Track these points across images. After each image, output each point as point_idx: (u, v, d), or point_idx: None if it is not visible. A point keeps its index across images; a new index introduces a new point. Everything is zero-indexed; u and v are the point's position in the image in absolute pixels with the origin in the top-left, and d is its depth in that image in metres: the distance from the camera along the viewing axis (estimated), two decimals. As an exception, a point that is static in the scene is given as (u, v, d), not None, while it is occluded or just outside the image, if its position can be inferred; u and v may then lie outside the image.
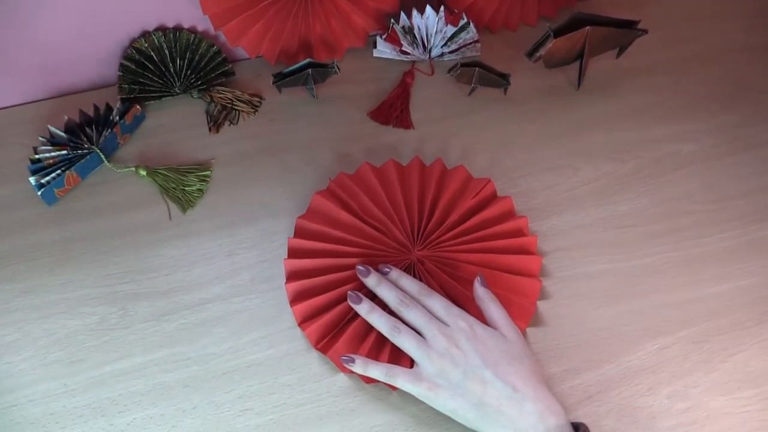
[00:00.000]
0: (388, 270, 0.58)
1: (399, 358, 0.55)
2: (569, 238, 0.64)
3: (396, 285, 0.57)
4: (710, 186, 0.68)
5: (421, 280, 0.59)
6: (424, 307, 0.55)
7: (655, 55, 0.79)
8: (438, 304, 0.55)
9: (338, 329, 0.57)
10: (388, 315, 0.55)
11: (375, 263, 0.59)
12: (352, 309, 0.57)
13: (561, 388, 0.56)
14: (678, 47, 0.80)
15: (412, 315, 0.54)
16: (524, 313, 0.59)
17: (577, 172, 0.69)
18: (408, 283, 0.57)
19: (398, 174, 0.65)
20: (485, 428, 0.50)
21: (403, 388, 0.52)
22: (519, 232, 0.63)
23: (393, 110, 0.72)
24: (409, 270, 0.60)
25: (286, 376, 0.55)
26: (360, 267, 0.57)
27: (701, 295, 0.61)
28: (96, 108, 0.68)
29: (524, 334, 0.58)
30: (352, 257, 0.60)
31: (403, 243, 0.61)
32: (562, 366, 0.57)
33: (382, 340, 0.56)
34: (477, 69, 0.71)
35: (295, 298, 0.58)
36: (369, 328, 0.56)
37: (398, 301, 0.55)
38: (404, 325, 0.54)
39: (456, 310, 0.54)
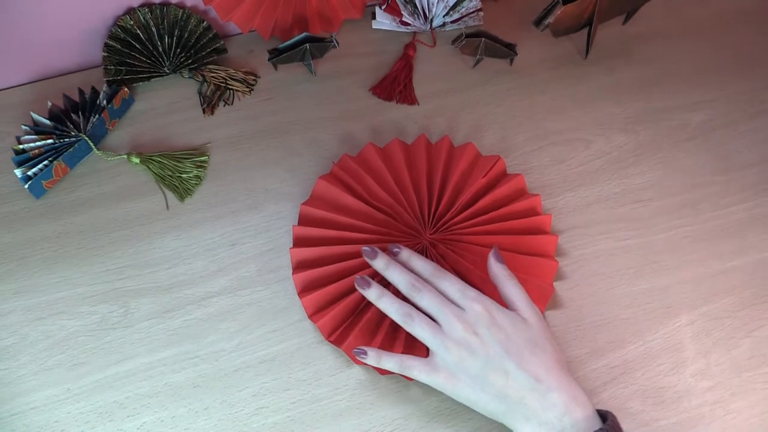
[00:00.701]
0: (398, 250, 0.54)
1: (414, 347, 0.53)
2: (585, 214, 0.62)
3: (407, 266, 0.53)
4: (724, 155, 0.67)
5: (434, 264, 0.57)
6: (437, 290, 0.51)
7: (661, 21, 0.76)
8: (453, 286, 0.51)
9: (351, 320, 0.55)
10: (400, 300, 0.51)
11: (385, 248, 0.57)
12: (363, 298, 0.54)
13: (584, 371, 0.54)
14: (686, 12, 0.77)
15: (426, 300, 0.50)
16: (542, 295, 0.57)
17: (589, 145, 0.66)
18: (420, 263, 0.53)
19: (404, 154, 0.63)
20: (507, 420, 0.48)
21: (419, 380, 0.50)
22: (533, 211, 0.61)
23: (396, 85, 0.69)
24: (422, 254, 0.57)
25: (301, 370, 0.53)
26: (366, 248, 0.53)
27: (720, 270, 0.60)
28: (81, 92, 0.64)
29: (543, 316, 0.56)
30: (361, 243, 0.57)
31: (413, 227, 0.59)
32: (584, 348, 0.55)
33: (396, 328, 0.54)
34: (483, 39, 0.68)
35: (304, 289, 0.56)
36: (382, 317, 0.54)
37: (409, 286, 0.51)
38: (417, 312, 0.50)
39: (472, 292, 0.50)
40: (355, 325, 0.54)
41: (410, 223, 0.59)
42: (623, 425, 0.51)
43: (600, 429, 0.45)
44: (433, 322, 0.50)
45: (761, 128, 0.69)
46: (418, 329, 0.50)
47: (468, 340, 0.48)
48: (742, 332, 0.56)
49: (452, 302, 0.50)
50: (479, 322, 0.48)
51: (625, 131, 0.67)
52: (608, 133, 0.67)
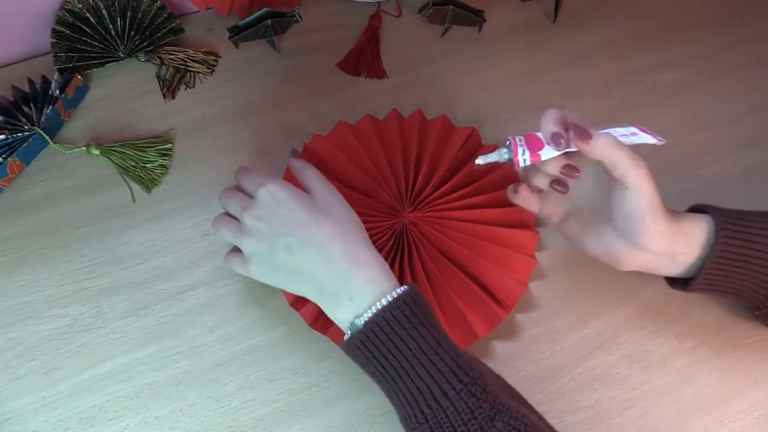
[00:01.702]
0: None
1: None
2: (562, 182, 0.61)
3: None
4: (697, 114, 0.67)
5: (415, 243, 0.56)
6: (242, 189, 0.51)
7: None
8: (247, 179, 0.50)
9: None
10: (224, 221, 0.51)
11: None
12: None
13: (570, 340, 0.54)
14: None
15: (224, 203, 0.51)
16: (526, 268, 0.56)
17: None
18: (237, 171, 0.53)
19: (376, 130, 0.61)
20: (308, 294, 0.48)
21: (241, 273, 0.50)
22: (511, 183, 0.60)
23: (363, 59, 0.67)
24: (402, 233, 0.56)
25: (286, 360, 0.52)
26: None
27: (698, 230, 0.60)
28: (31, 82, 0.60)
29: (527, 290, 0.56)
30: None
31: (392, 205, 0.57)
32: (569, 317, 0.55)
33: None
34: (450, 7, 0.66)
35: (284, 275, 0.54)
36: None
37: (220, 197, 0.52)
38: (226, 220, 0.51)
39: (262, 179, 0.49)
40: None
41: (388, 201, 0.58)
42: (612, 391, 0.52)
43: (398, 295, 0.43)
44: (236, 223, 0.50)
45: (734, 84, 0.69)
46: (225, 235, 0.50)
47: (255, 227, 0.48)
48: (722, 291, 0.57)
49: (249, 194, 0.50)
50: (263, 206, 0.48)
51: (596, 95, 0.67)
52: (581, 98, 0.67)
